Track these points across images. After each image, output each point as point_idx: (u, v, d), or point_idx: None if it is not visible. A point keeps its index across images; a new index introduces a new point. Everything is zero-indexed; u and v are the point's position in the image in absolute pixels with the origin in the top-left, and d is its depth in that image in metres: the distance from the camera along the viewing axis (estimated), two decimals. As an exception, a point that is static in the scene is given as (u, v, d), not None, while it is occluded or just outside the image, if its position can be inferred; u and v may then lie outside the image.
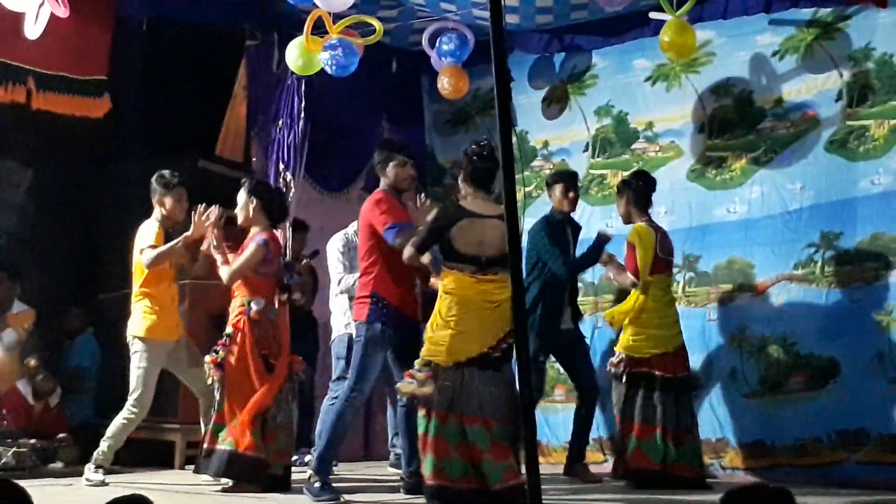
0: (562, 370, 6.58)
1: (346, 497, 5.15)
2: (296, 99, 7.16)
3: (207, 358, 5.59)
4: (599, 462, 6.68)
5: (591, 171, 7.24)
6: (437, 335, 4.79)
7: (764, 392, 6.27)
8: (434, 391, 4.70)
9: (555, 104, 7.50)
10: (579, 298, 6.52)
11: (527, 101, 7.57)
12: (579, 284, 6.56)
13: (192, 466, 6.05)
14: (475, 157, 4.92)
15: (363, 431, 7.61)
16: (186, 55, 7.75)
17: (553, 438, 6.93)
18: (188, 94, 7.71)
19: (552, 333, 6.17)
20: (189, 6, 6.95)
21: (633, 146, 7.09)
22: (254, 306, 5.56)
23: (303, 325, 6.67)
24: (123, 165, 7.70)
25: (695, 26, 6.40)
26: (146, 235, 5.89)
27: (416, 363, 4.83)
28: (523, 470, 4.76)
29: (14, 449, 6.24)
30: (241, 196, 5.77)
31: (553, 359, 6.48)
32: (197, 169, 7.44)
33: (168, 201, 5.95)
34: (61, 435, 6.70)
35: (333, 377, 6.27)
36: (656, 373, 5.84)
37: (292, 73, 6.79)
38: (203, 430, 5.74)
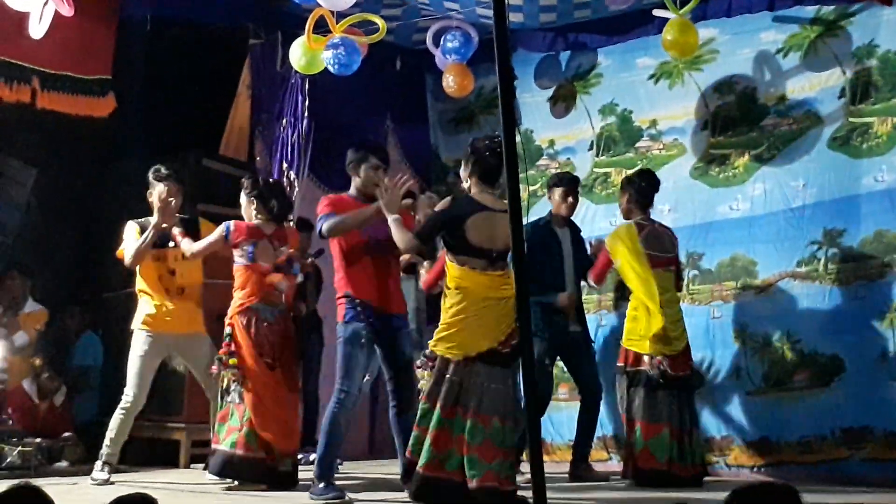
0: (565, 369, 6.57)
1: (351, 496, 5.14)
2: (299, 98, 7.17)
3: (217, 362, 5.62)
4: (604, 460, 6.69)
5: (596, 170, 7.23)
6: (446, 331, 4.78)
7: (768, 389, 6.26)
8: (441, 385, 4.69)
9: (561, 102, 7.49)
10: (583, 297, 6.51)
11: (532, 99, 7.57)
12: (582, 283, 6.54)
13: (197, 465, 6.06)
14: (487, 153, 4.86)
15: (369, 430, 7.61)
16: (189, 54, 7.76)
17: (557, 437, 6.91)
18: (191, 93, 7.70)
19: (553, 333, 6.15)
20: (192, 6, 6.97)
21: (637, 144, 7.09)
22: (285, 283, 5.68)
23: (307, 324, 6.67)
24: (128, 164, 7.67)
25: (698, 24, 6.41)
26: (125, 237, 5.94)
27: (423, 355, 4.83)
28: (519, 478, 4.81)
29: (19, 448, 6.24)
30: (242, 197, 5.87)
31: (558, 360, 6.46)
32: (200, 167, 7.46)
33: (156, 191, 5.92)
34: (66, 434, 6.69)
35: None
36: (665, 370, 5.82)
37: (296, 71, 6.80)
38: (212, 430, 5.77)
